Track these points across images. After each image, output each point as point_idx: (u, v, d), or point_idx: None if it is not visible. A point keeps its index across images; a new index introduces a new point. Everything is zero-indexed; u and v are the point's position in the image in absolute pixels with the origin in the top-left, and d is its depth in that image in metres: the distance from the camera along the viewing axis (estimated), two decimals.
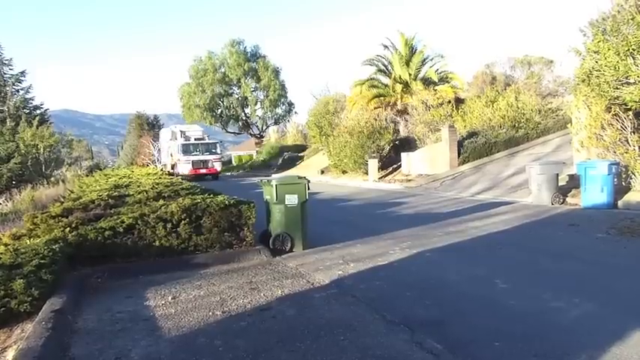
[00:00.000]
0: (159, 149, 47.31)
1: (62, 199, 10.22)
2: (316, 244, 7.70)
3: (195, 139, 33.95)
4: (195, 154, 32.82)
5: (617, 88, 10.74)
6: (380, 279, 5.84)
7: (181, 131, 34.67)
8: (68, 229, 6.47)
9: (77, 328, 4.47)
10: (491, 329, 4.16)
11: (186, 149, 32.83)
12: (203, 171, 32.28)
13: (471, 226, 9.17)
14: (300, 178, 7.80)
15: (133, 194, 8.47)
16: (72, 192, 12.11)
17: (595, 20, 11.32)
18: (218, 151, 34.83)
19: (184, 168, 31.85)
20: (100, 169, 29.19)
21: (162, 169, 29.28)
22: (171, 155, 35.07)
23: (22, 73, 33.28)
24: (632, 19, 10.12)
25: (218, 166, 33.92)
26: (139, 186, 9.76)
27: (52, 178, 24.85)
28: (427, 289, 5.42)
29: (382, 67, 29.21)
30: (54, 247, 5.62)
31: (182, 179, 18.42)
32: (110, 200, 7.98)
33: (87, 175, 22.90)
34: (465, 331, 4.16)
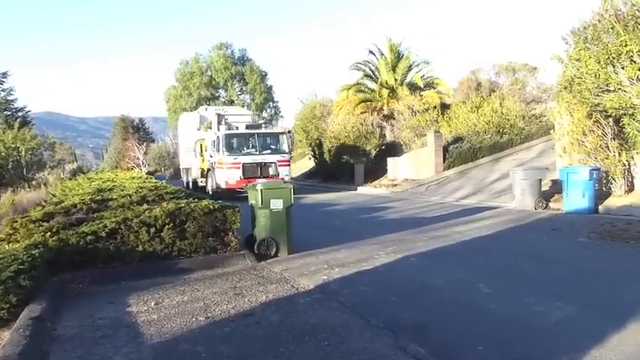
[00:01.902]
0: (144, 152, 46.87)
1: (43, 203, 10.06)
2: (301, 249, 7.68)
3: (246, 128, 19.65)
4: (248, 153, 18.37)
5: (598, 95, 10.90)
6: (365, 284, 5.85)
7: (219, 115, 20.93)
8: (49, 233, 6.37)
9: (56, 335, 4.40)
10: (474, 333, 4.18)
11: (230, 145, 18.53)
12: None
13: (455, 231, 9.22)
14: (285, 182, 7.80)
15: (116, 198, 8.37)
16: (54, 196, 11.94)
17: (577, 29, 11.48)
18: (286, 147, 18.92)
19: (228, 176, 17.87)
20: (84, 173, 28.84)
21: (186, 183, 24.03)
22: (201, 155, 20.93)
23: (4, 74, 32.72)
24: (611, 28, 10.29)
25: (285, 173, 18.23)
26: (122, 190, 9.65)
27: (34, 182, 24.46)
28: (411, 293, 5.44)
29: (369, 72, 29.35)
30: (33, 252, 5.52)
31: (218, 192, 17.85)
32: (93, 204, 7.87)
33: (70, 179, 22.61)
34: (448, 336, 4.18)
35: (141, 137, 56.10)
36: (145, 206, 7.38)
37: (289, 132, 20.72)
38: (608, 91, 10.62)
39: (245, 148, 18.58)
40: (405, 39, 50.04)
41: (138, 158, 46.56)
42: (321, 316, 4.70)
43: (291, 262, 7.07)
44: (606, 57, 10.23)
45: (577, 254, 7.17)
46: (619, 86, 10.29)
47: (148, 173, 35.38)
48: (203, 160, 20.75)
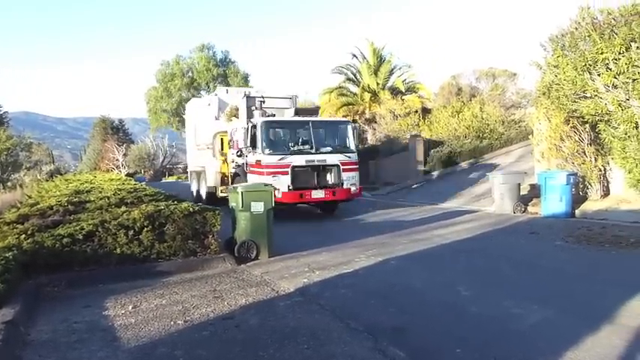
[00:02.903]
0: (124, 154, 46.26)
1: (19, 205, 9.86)
2: (282, 252, 7.66)
3: (296, 114, 13.45)
4: (300, 151, 12.11)
5: (575, 102, 11.11)
6: (345, 287, 5.85)
7: (249, 97, 13.58)
8: (23, 236, 6.24)
9: (30, 339, 4.30)
10: (453, 336, 4.21)
11: (273, 138, 12.75)
12: (319, 194, 11.94)
13: (435, 234, 9.29)
14: (266, 185, 7.77)
15: (94, 200, 8.24)
16: (29, 197, 11.71)
17: (555, 36, 11.70)
18: (352, 143, 12.92)
19: (272, 183, 9.54)
20: (61, 174, 28.33)
21: (196, 192, 17.27)
22: (222, 155, 14.92)
23: None
24: (588, 35, 10.51)
25: (352, 182, 12.28)
26: (100, 192, 9.50)
27: (9, 183, 23.99)
28: (391, 296, 5.46)
29: (351, 76, 29.46)
30: (7, 255, 5.41)
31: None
32: (70, 206, 7.74)
33: (47, 180, 22.19)
34: (427, 338, 4.20)
35: (120, 138, 55.35)
36: (124, 208, 7.28)
37: (355, 122, 15.18)
38: (585, 97, 10.84)
39: (294, 144, 12.14)
40: (387, 43, 50.43)
41: (117, 160, 46.00)
42: (301, 319, 4.68)
43: (272, 265, 7.04)
44: (583, 64, 10.44)
45: (554, 257, 7.28)
46: (595, 93, 10.51)
47: (128, 175, 34.96)
48: (225, 161, 14.51)
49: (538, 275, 6.28)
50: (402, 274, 6.51)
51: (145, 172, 49.95)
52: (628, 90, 9.80)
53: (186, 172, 58.25)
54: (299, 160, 11.64)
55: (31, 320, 4.77)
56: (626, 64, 9.66)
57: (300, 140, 12.35)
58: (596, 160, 11.84)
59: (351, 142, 12.73)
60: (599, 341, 3.98)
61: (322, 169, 11.81)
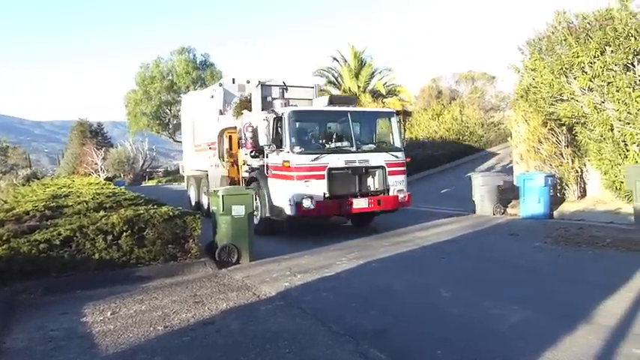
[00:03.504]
0: (103, 158, 45.65)
1: None
2: (264, 256, 7.62)
3: (330, 103, 10.52)
4: (337, 150, 9.63)
5: (552, 104, 11.31)
6: (326, 290, 5.84)
7: (265, 85, 11.44)
8: None
9: (5, 348, 4.21)
10: (433, 338, 4.24)
11: (303, 134, 10.21)
12: (361, 204, 9.44)
13: (417, 236, 9.35)
14: (247, 188, 7.74)
15: (72, 205, 8.10)
16: (5, 202, 11.47)
17: (532, 40, 11.89)
18: (398, 140, 10.46)
19: (302, 192, 9.01)
20: (38, 179, 27.82)
21: (195, 202, 14.49)
22: (230, 156, 12.28)
23: None
24: (564, 39, 10.71)
25: (400, 188, 10.00)
26: (79, 196, 9.35)
27: None
28: (373, 299, 5.47)
29: (332, 79, 29.52)
30: None
31: (275, 220, 9.65)
32: (47, 211, 7.60)
33: (23, 185, 21.75)
34: (408, 340, 4.22)
35: (99, 142, 54.54)
36: (102, 213, 7.18)
37: (399, 113, 11.18)
38: (562, 100, 11.04)
39: (329, 141, 9.87)
40: (367, 46, 50.76)
41: (96, 164, 45.31)
42: (283, 323, 4.66)
43: (253, 269, 7.01)
44: (559, 67, 10.63)
45: (533, 258, 7.38)
46: (572, 96, 10.71)
47: (107, 179, 34.47)
48: (234, 163, 11.99)
49: (517, 276, 6.36)
50: (383, 276, 6.53)
51: (124, 176, 49.31)
52: (603, 93, 10.00)
53: (168, 176, 57.93)
54: (337, 161, 9.27)
55: (6, 328, 4.67)
56: (601, 67, 9.86)
57: (336, 136, 10.05)
58: (573, 161, 12.05)
59: (397, 138, 10.40)
60: (577, 340, 4.05)
61: (365, 171, 9.57)
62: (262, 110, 10.63)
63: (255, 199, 9.47)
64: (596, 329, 4.27)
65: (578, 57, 10.21)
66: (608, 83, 9.86)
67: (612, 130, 10.16)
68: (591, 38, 10.12)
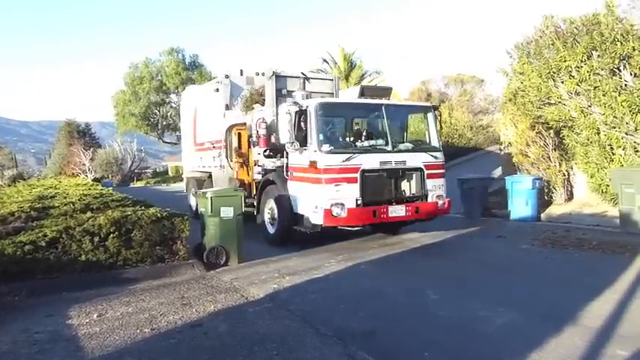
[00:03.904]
0: (91, 158, 45.23)
1: None
2: (252, 257, 7.59)
3: (361, 95, 9.02)
4: (372, 149, 8.42)
5: (540, 108, 11.42)
6: (315, 292, 5.84)
7: (280, 76, 9.85)
8: None
9: None
10: (421, 339, 4.26)
11: (331, 129, 8.87)
12: (398, 211, 8.15)
13: (405, 238, 9.37)
14: (235, 190, 7.71)
15: (58, 206, 8.01)
16: None
17: (520, 43, 12.01)
18: (435, 138, 9.14)
19: (330, 198, 7.72)
20: (24, 179, 27.49)
21: (196, 206, 10.28)
22: (238, 155, 10.95)
23: None
24: (552, 44, 10.83)
25: (439, 193, 8.69)
26: (65, 197, 9.25)
27: None
28: (361, 301, 5.48)
29: None
30: None
31: (294, 230, 8.49)
32: (32, 212, 7.51)
33: (9, 185, 21.47)
34: (396, 342, 4.23)
35: (87, 142, 54.02)
36: (89, 214, 7.11)
37: (436, 108, 9.68)
38: (550, 104, 11.15)
39: (360, 139, 8.76)
40: (357, 49, 50.81)
41: (84, 164, 44.91)
42: (271, 325, 4.65)
43: (242, 270, 6.98)
44: (547, 71, 10.74)
45: (520, 260, 7.44)
46: (559, 99, 10.82)
47: (95, 180, 34.15)
48: (243, 163, 10.81)
49: (504, 278, 6.40)
50: (372, 278, 6.54)
51: (112, 176, 48.94)
52: (590, 97, 10.11)
53: (157, 177, 57.57)
54: (371, 162, 8.05)
55: None
56: (587, 71, 9.98)
57: (368, 133, 8.96)
58: (560, 165, 12.17)
59: (435, 137, 9.09)
60: (563, 342, 4.08)
61: (401, 174, 8.30)
62: (277, 104, 9.43)
63: (267, 205, 9.09)
64: (581, 331, 4.31)
65: (565, 61, 10.32)
66: (595, 87, 9.98)
67: (598, 133, 10.28)
68: (578, 43, 10.24)
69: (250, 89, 11.19)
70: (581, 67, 10.07)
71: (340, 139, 8.88)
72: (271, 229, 9.01)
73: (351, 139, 9.02)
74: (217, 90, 11.95)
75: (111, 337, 4.41)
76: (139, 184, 49.64)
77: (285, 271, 6.87)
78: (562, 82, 10.58)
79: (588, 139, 10.53)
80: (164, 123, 52.45)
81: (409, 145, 8.85)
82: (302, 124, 8.26)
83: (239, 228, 7.42)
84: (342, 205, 7.69)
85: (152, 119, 52.30)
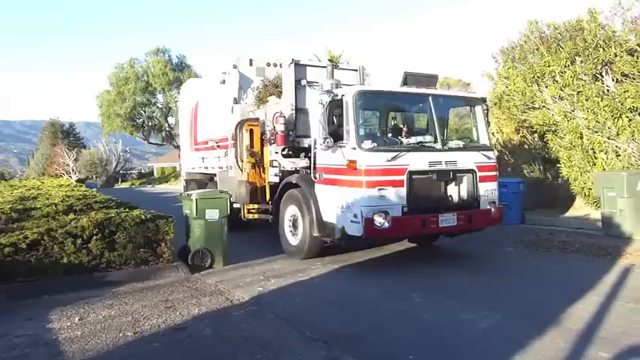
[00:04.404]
0: (75, 159, 44.69)
1: None
2: (238, 260, 7.55)
3: (404, 82, 7.53)
4: (420, 147, 7.16)
5: (525, 112, 11.55)
6: (300, 295, 5.82)
7: (299, 64, 8.92)
8: None
9: None
10: (405, 343, 4.26)
11: (372, 126, 8.43)
12: (449, 221, 6.93)
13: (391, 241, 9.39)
14: (221, 192, 7.66)
15: (40, 207, 7.92)
16: None
17: (505, 48, 12.15)
18: (485, 134, 7.80)
19: (372, 205, 6.50)
20: (6, 180, 27.09)
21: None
22: (250, 155, 9.41)
23: None
24: (536, 49, 10.98)
25: (492, 199, 7.50)
26: (48, 198, 9.14)
27: None
28: (346, 304, 5.48)
29: None
30: None
31: (321, 242, 7.47)
32: (13, 214, 7.41)
33: None
34: (380, 346, 4.23)
35: (71, 143, 53.59)
36: (72, 216, 7.03)
37: (484, 100, 8.29)
38: (534, 108, 11.28)
39: (403, 135, 7.69)
40: (344, 51, 51.05)
41: (67, 165, 44.45)
42: (255, 328, 4.62)
43: (227, 273, 6.93)
44: (532, 76, 10.87)
45: (504, 263, 7.51)
46: (543, 104, 10.96)
47: (78, 181, 33.80)
48: (256, 164, 9.44)
49: (488, 281, 6.44)
50: (357, 281, 6.54)
51: (97, 177, 48.49)
52: (573, 102, 10.25)
53: (142, 178, 57.10)
54: (419, 162, 6.88)
55: None
56: (571, 77, 10.12)
57: (412, 127, 8.08)
58: (544, 168, 12.31)
59: (485, 133, 7.84)
60: (546, 344, 4.12)
61: (452, 177, 7.15)
62: (296, 97, 8.46)
63: (287, 212, 7.98)
64: (564, 333, 4.35)
65: (549, 66, 10.46)
66: (578, 92, 10.13)
67: (581, 137, 10.42)
68: (562, 48, 10.38)
69: (264, 80, 9.94)
70: (565, 72, 10.21)
71: (382, 135, 7.72)
72: (293, 240, 7.88)
73: (389, 134, 7.83)
74: (224, 82, 10.71)
75: (92, 341, 4.35)
76: (124, 185, 49.24)
77: (270, 273, 6.85)
78: (546, 87, 10.72)
79: (571, 143, 10.67)
80: (150, 124, 52.04)
81: (460, 143, 7.64)
82: (336, 116, 7.19)
83: (224, 230, 7.38)
84: (387, 213, 6.51)
85: (138, 120, 51.87)
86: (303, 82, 8.64)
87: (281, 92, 8.84)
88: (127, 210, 7.39)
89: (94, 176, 48.38)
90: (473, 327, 4.62)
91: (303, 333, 4.45)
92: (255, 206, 9.38)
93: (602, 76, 9.93)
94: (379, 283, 6.43)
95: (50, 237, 6.24)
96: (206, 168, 11.67)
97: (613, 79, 9.80)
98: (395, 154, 6.71)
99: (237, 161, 9.66)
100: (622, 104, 9.49)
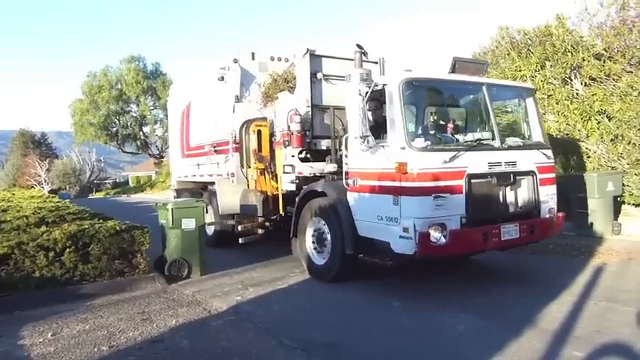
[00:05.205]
0: (47, 169, 43.77)
1: None
2: (215, 269, 7.46)
3: (454, 68, 6.24)
4: (479, 145, 6.03)
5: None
6: (279, 303, 5.79)
7: (315, 55, 7.61)
8: None
9: None
10: (385, 349, 4.27)
11: (422, 123, 6.71)
12: (511, 232, 5.84)
13: None
14: (197, 201, 7.58)
15: (10, 220, 7.69)
16: None
17: (477, 53, 12.36)
18: (539, 129, 6.75)
19: (427, 217, 5.40)
20: None
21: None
22: (258, 160, 8.27)
23: None
24: (507, 54, 11.21)
25: (550, 205, 6.43)
26: (18, 211, 8.90)
27: None
28: (325, 311, 5.47)
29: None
30: None
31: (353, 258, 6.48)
32: None
33: None
34: (360, 353, 4.23)
35: (43, 153, 52.51)
36: (44, 228, 6.84)
37: (535, 92, 7.49)
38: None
39: (452, 132, 6.41)
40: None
41: (39, 176, 43.46)
42: (234, 338, 4.58)
43: (204, 283, 6.85)
44: None
45: (479, 266, 7.58)
46: None
47: (51, 192, 33.07)
48: (266, 170, 8.21)
49: (465, 284, 6.50)
50: (336, 287, 6.51)
51: (70, 188, 47.54)
52: (544, 105, 10.47)
53: (117, 188, 56.04)
54: (478, 163, 5.78)
55: None
56: (541, 81, 10.35)
57: (466, 122, 6.98)
58: None
59: (539, 128, 6.82)
60: (522, 345, 4.18)
61: (512, 180, 6.04)
62: (312, 91, 7.43)
63: (311, 225, 6.91)
64: (540, 334, 4.42)
65: (520, 70, 10.68)
66: (549, 96, 10.36)
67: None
68: (532, 53, 10.62)
69: (272, 74, 8.76)
70: (536, 76, 10.43)
71: (434, 132, 6.37)
72: (318, 259, 6.82)
73: (434, 131, 6.45)
74: (222, 79, 9.43)
75: (66, 357, 4.25)
76: (99, 195, 48.37)
77: (249, 282, 6.79)
78: None
79: None
80: (124, 133, 51.36)
81: (519, 141, 6.56)
82: (371, 111, 6.06)
83: (201, 240, 7.30)
84: (443, 226, 5.43)
85: (112, 129, 51.12)
86: (319, 75, 7.58)
87: (292, 88, 7.92)
88: (101, 221, 7.24)
89: (67, 187, 47.41)
90: (451, 330, 4.66)
91: (282, 342, 4.42)
92: (258, 222, 8.43)
93: (572, 80, 10.18)
94: (358, 288, 6.41)
95: (21, 250, 6.07)
96: (202, 176, 10.51)
97: (582, 83, 10.05)
98: (453, 153, 5.60)
99: (243, 167, 8.58)
100: (591, 107, 9.74)
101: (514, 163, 6.04)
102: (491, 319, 4.91)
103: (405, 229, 5.41)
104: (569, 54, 9.95)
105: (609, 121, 9.60)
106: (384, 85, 5.80)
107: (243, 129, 8.50)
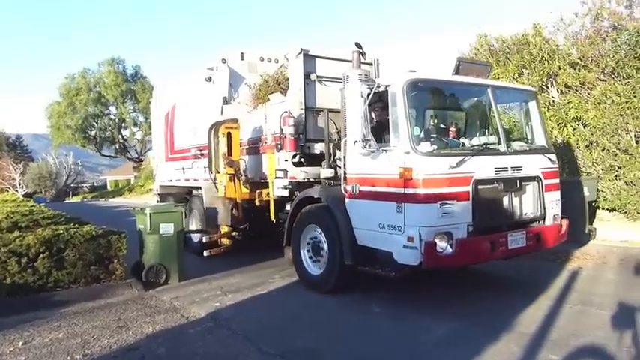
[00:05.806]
0: (22, 172, 42.90)
1: None
2: (194, 275, 7.37)
3: (458, 70, 6.03)
4: (485, 149, 5.82)
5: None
6: (258, 309, 5.75)
7: (309, 55, 7.40)
8: None
9: None
10: (364, 354, 4.27)
11: (428, 126, 6.25)
12: (518, 240, 5.70)
13: None
14: (176, 206, 7.49)
15: None
16: None
17: None
18: (543, 137, 6.61)
19: (432, 225, 5.14)
20: None
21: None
22: (228, 164, 8.10)
23: None
24: (486, 61, 11.35)
25: (555, 212, 6.30)
26: None
27: None
28: (305, 317, 5.44)
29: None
30: None
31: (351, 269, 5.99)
32: None
33: None
34: (337, 358, 4.22)
35: (18, 156, 51.51)
36: (17, 233, 6.68)
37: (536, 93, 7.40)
38: None
39: (454, 136, 6.16)
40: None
41: (13, 179, 42.57)
42: (212, 345, 4.52)
43: (183, 289, 6.76)
44: None
45: (456, 270, 7.61)
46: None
47: (26, 195, 32.43)
48: (233, 175, 8.20)
49: (441, 288, 6.51)
50: (315, 293, 6.49)
51: (46, 192, 46.67)
52: None
53: (94, 192, 55.28)
54: (484, 169, 5.60)
55: None
56: None
57: (471, 126, 6.80)
58: None
59: (543, 132, 6.68)
60: (499, 349, 4.22)
61: (518, 185, 5.88)
62: (305, 92, 7.22)
63: (306, 234, 6.59)
64: (517, 337, 4.46)
65: (498, 78, 10.83)
66: None
67: None
68: (510, 61, 10.79)
69: (263, 75, 8.56)
70: (514, 83, 10.59)
71: (440, 135, 6.06)
72: (314, 270, 6.52)
73: (436, 135, 6.05)
74: (210, 79, 9.22)
75: None
76: (75, 199, 47.57)
77: (227, 288, 6.72)
78: None
79: None
80: (102, 136, 50.64)
81: (524, 145, 6.42)
82: (377, 112, 5.89)
83: (180, 245, 7.21)
84: (450, 234, 5.20)
85: (90, 132, 50.36)
86: (313, 76, 7.39)
87: (284, 89, 7.73)
88: (76, 226, 7.09)
89: (43, 190, 46.55)
90: (430, 335, 4.68)
91: (260, 348, 4.39)
92: (226, 229, 8.24)
93: (548, 88, 10.37)
94: (338, 294, 6.40)
95: None
96: (187, 180, 10.20)
97: (558, 91, 10.25)
98: (460, 158, 5.37)
99: (211, 172, 8.40)
100: (566, 114, 9.93)
101: (520, 168, 5.90)
102: (470, 323, 4.95)
103: (410, 239, 5.16)
104: (545, 62, 10.14)
105: (584, 128, 9.80)
106: (386, 86, 5.57)
107: (212, 131, 8.26)
